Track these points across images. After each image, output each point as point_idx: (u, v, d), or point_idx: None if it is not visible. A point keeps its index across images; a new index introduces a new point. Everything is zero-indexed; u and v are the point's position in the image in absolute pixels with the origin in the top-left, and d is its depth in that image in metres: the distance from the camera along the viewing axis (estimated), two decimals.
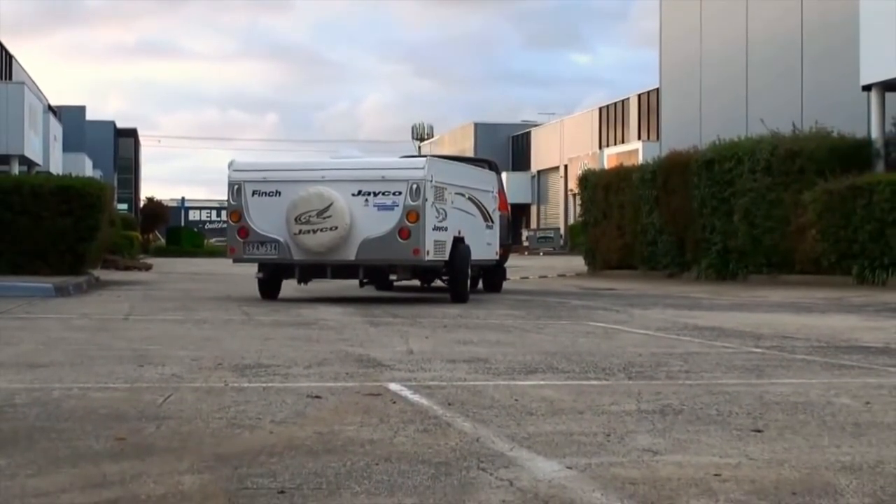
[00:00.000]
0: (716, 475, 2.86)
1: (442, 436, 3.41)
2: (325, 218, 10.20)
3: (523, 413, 3.89)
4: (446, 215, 10.73)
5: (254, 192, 10.61)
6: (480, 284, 13.14)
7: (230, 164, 11.02)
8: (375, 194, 10.23)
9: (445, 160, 12.48)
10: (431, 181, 10.33)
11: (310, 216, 10.23)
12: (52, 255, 14.44)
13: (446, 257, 10.77)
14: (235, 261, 11.04)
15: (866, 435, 3.49)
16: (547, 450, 3.19)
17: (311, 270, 10.89)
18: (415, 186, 10.15)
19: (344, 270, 10.77)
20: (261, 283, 11.22)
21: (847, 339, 7.08)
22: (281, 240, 10.49)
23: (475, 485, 2.74)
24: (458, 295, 11.02)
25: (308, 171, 10.82)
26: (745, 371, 5.30)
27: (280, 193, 10.50)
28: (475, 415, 3.83)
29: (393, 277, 10.95)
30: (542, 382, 4.80)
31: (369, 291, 13.30)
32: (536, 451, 3.17)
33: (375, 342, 6.65)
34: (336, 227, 10.19)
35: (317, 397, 4.21)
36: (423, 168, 10.39)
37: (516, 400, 4.20)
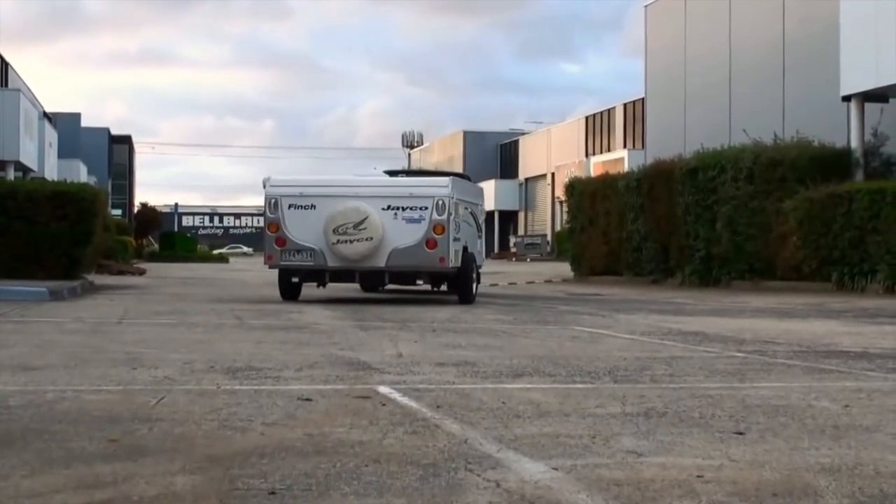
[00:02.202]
0: (698, 476, 2.91)
1: (430, 438, 3.45)
2: (361, 230, 11.44)
3: (510, 415, 3.93)
4: (459, 227, 12.00)
5: (290, 206, 11.71)
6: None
7: (267, 181, 11.99)
8: (404, 209, 11.52)
9: (463, 180, 13.70)
10: (453, 198, 11.69)
11: (347, 228, 11.45)
12: (47, 259, 14.48)
13: (459, 264, 11.98)
14: (272, 267, 12.01)
15: (845, 437, 3.55)
16: (533, 451, 3.24)
17: (340, 275, 12.00)
18: (440, 203, 11.50)
19: (371, 276, 11.98)
20: (285, 285, 12.13)
21: (827, 344, 7.17)
22: (316, 248, 11.64)
23: (463, 486, 2.78)
24: (466, 297, 12.15)
25: (341, 187, 11.99)
26: (728, 375, 5.38)
27: (315, 207, 11.65)
28: (463, 417, 3.87)
29: (420, 282, 12.23)
30: (529, 386, 4.86)
31: (359, 295, 13.36)
32: (523, 453, 3.21)
33: (365, 346, 6.70)
34: (371, 238, 11.46)
35: (307, 400, 4.24)
36: (447, 187, 11.74)
37: (504, 403, 4.25)
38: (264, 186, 11.93)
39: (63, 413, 3.87)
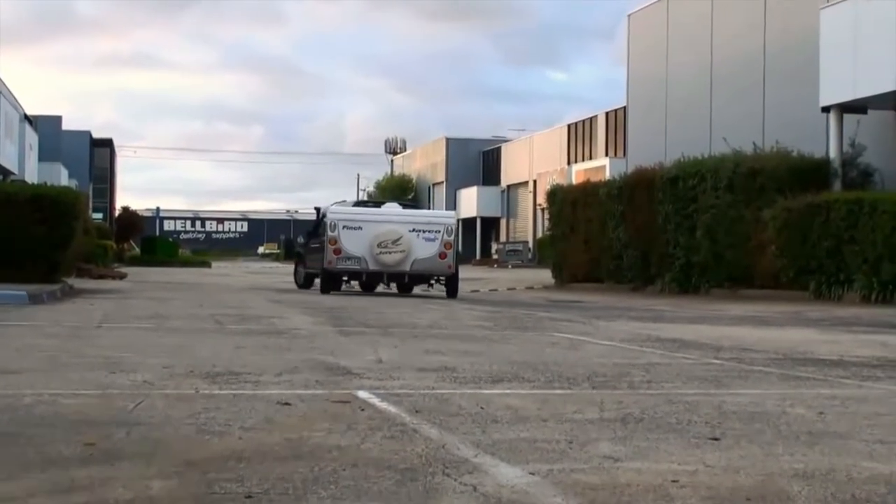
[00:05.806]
0: (674, 481, 2.93)
1: (408, 442, 3.46)
2: (397, 245, 16.31)
3: (488, 421, 3.95)
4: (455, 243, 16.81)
5: (344, 227, 16.49)
6: (428, 287, 17.86)
7: (327, 209, 17.23)
8: (424, 231, 16.53)
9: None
10: (455, 224, 17.13)
11: (387, 243, 16.31)
12: (26, 262, 14.38)
13: (453, 270, 16.70)
14: (331, 270, 16.58)
15: (819, 444, 3.59)
16: (510, 456, 3.26)
17: (375, 277, 16.76)
18: (449, 227, 16.82)
19: (396, 277, 16.68)
20: (328, 282, 16.71)
21: (803, 352, 7.25)
22: (362, 257, 16.36)
23: (440, 490, 2.79)
24: (455, 293, 16.64)
25: (380, 215, 17.44)
26: (705, 381, 5.42)
27: (362, 228, 16.47)
28: (441, 422, 3.89)
29: (433, 282, 16.95)
30: (507, 391, 4.88)
31: (343, 301, 13.38)
32: (500, 458, 3.23)
33: (346, 351, 6.70)
34: (404, 251, 16.35)
35: (286, 404, 4.24)
36: (453, 217, 17.97)
37: (482, 408, 4.27)
38: (325, 214, 17.05)
39: (40, 417, 3.85)
